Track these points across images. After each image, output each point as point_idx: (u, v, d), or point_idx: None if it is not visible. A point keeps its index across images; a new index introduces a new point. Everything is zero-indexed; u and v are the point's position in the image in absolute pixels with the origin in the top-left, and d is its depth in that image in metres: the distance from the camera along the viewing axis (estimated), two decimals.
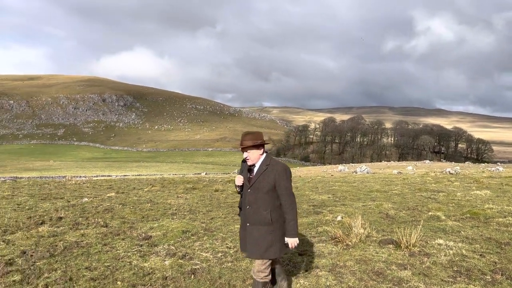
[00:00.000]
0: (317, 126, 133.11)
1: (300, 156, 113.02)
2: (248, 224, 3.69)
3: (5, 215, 7.89)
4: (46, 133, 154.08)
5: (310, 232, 6.59)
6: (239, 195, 3.98)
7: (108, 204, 9.68)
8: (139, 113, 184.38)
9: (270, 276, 3.74)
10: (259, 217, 3.61)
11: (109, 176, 43.19)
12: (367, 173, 22.50)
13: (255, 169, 3.69)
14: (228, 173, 48.92)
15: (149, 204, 9.66)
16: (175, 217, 8.01)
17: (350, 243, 5.69)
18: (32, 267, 4.72)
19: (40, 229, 6.60)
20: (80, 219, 7.61)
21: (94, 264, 4.90)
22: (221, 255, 5.36)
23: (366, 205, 9.36)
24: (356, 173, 23.01)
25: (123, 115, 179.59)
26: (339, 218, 7.59)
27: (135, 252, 5.42)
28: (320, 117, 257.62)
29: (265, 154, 3.71)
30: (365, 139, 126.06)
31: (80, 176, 40.02)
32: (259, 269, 3.67)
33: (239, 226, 6.97)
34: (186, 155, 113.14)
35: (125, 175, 42.24)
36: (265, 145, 3.79)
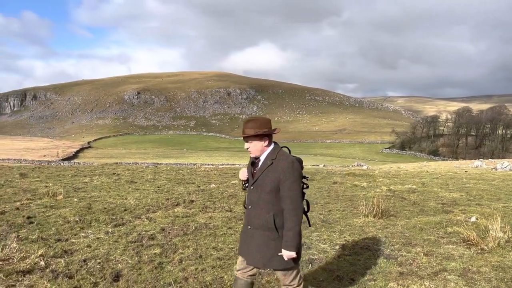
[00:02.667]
0: (449, 117, 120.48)
1: (428, 150, 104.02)
2: (249, 227, 3.13)
3: (148, 196, 9.10)
4: (180, 124, 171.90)
5: (438, 232, 6.07)
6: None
7: (232, 190, 10.38)
8: (260, 105, 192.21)
9: (302, 283, 3.21)
10: (261, 220, 3.04)
11: (233, 164, 46.14)
12: (510, 170, 19.62)
13: (260, 163, 3.11)
14: (347, 165, 47.79)
15: None
16: None
17: (485, 247, 5.08)
18: (169, 243, 5.35)
19: (175, 210, 7.44)
20: (208, 203, 8.34)
21: (220, 245, 5.33)
22: (339, 248, 5.31)
23: (507, 206, 8.20)
24: (496, 170, 20.25)
25: (246, 108, 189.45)
26: (473, 219, 6.82)
27: None
28: (453, 107, 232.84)
29: (272, 146, 3.10)
30: (508, 132, 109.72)
31: (208, 164, 43.64)
32: (285, 282, 3.15)
33: (358, 220, 6.83)
34: (304, 147, 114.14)
35: (247, 164, 44.61)
36: (273, 135, 3.12)
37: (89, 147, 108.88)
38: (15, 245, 4.70)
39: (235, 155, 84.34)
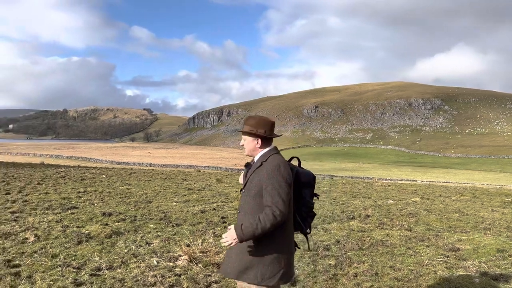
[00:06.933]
0: None
1: None
2: None
3: (324, 207, 9.31)
4: (357, 137, 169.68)
5: None
6: None
7: (413, 208, 9.65)
8: (447, 116, 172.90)
9: None
10: None
11: (414, 180, 42.75)
12: None
13: (252, 166, 2.89)
14: None
15: (457, 214, 8.94)
16: (488, 232, 7.07)
17: None
18: (344, 256, 5.35)
19: (351, 223, 7.39)
20: (385, 219, 7.97)
21: (398, 265, 5.03)
22: None
23: None
24: None
25: (430, 119, 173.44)
26: None
27: (440, 262, 5.17)
28: None
29: (266, 150, 2.83)
30: None
31: (386, 179, 41.67)
32: None
33: None
34: (505, 163, 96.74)
35: (430, 181, 40.72)
36: (273, 138, 2.90)
37: None
38: (212, 241, 5.50)
39: (416, 170, 77.99)
